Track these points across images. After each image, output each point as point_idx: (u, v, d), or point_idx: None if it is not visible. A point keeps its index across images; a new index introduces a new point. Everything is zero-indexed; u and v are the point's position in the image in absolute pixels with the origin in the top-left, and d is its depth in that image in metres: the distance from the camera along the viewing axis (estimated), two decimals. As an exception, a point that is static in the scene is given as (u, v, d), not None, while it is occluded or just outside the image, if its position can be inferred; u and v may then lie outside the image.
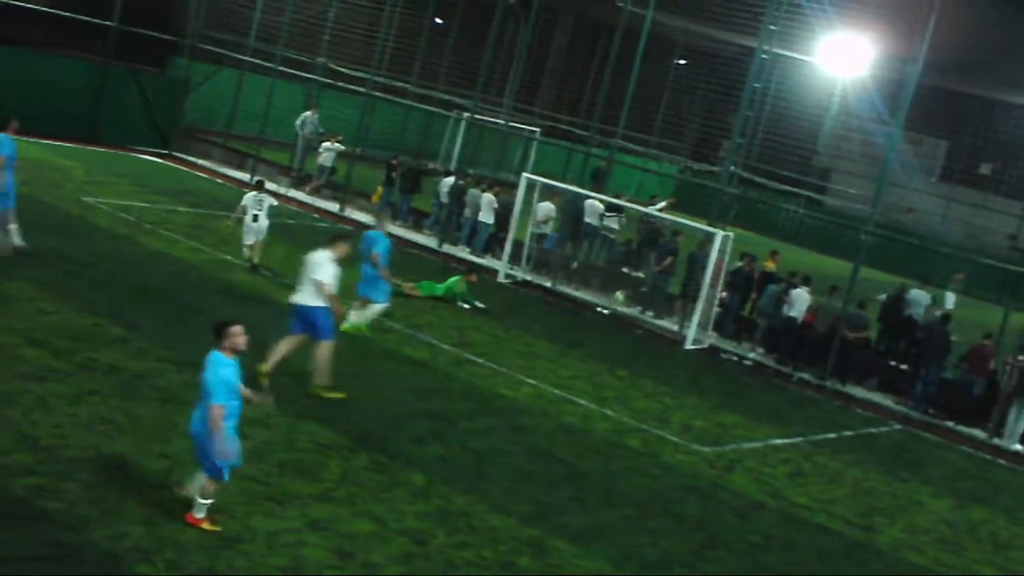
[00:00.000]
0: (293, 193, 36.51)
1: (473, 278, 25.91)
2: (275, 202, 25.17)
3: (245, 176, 37.48)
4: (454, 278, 25.68)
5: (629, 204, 32.36)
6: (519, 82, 46.58)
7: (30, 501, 11.56)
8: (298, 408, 16.08)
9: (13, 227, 21.23)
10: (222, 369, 11.60)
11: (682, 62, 52.23)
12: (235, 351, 11.79)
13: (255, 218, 24.20)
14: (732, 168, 30.55)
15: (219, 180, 36.45)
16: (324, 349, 16.86)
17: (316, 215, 34.23)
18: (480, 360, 21.03)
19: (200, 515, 11.74)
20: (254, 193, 24.59)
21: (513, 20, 44.37)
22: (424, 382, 19.02)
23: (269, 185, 36.42)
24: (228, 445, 11.55)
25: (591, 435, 18.28)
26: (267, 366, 16.53)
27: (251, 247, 24.36)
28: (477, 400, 18.67)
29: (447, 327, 23.00)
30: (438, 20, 46.53)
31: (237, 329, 11.82)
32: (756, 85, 28.94)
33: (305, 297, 16.77)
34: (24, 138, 32.13)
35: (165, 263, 23.25)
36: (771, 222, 46.04)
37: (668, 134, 51.57)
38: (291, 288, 22.61)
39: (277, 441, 14.72)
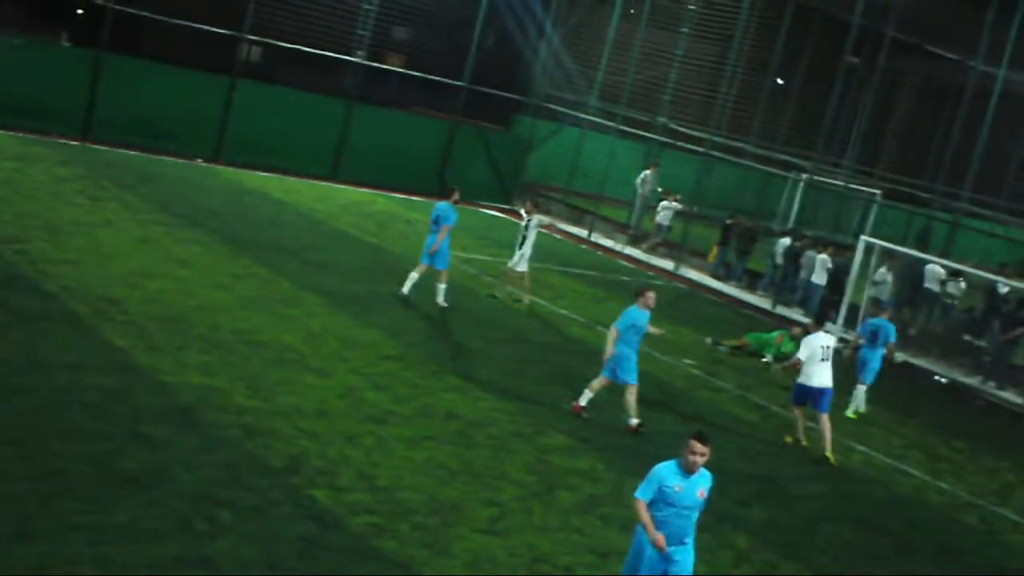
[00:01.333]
0: (629, 250, 37.00)
1: (797, 331, 25.51)
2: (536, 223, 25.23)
3: (583, 232, 38.25)
4: (775, 333, 25.60)
5: (974, 271, 31.19)
6: (860, 143, 45.75)
7: (366, 538, 12.14)
8: (626, 464, 16.26)
9: (442, 287, 23.15)
10: (662, 471, 10.78)
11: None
12: (687, 465, 10.80)
13: (522, 242, 24.65)
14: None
15: (557, 236, 37.29)
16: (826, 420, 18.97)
17: (650, 273, 34.54)
18: (810, 424, 20.70)
19: None
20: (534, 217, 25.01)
21: (856, 80, 43.60)
22: (753, 443, 18.88)
23: (605, 242, 37.13)
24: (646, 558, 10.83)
25: (924, 508, 17.70)
26: (829, 451, 18.78)
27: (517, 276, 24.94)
28: (806, 465, 18.37)
29: (776, 388, 22.75)
30: (779, 81, 46.26)
31: (695, 446, 10.84)
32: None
33: (827, 379, 18.98)
34: (375, 191, 33.86)
35: (503, 315, 23.94)
36: None
37: (1019, 197, 49.37)
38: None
39: (604, 495, 14.92)
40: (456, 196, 23.68)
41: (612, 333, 17.68)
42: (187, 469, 12.71)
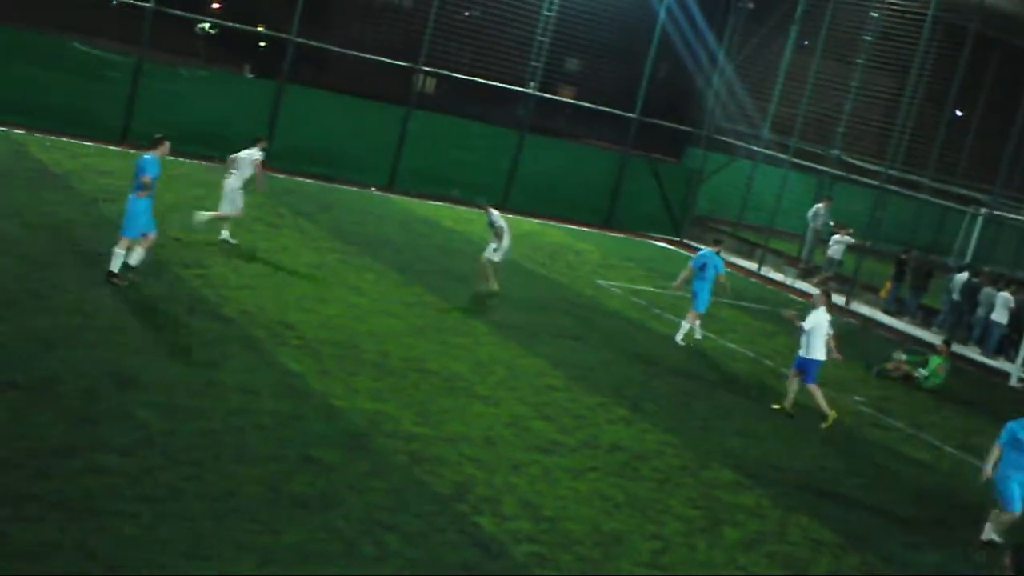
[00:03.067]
0: (800, 284, 36.51)
1: (942, 347, 24.98)
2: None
3: (753, 266, 37.90)
4: (937, 359, 25.13)
5: None
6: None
7: (528, 567, 12.18)
8: (791, 501, 16.05)
9: (686, 325, 24.40)
10: None
11: None
12: None
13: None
14: None
15: (727, 269, 36.96)
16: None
17: (821, 307, 33.97)
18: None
19: None
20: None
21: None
22: (925, 485, 18.43)
23: (775, 275, 36.67)
24: None
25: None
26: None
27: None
28: (978, 508, 17.86)
29: (951, 428, 22.23)
30: (958, 112, 45.23)
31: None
32: None
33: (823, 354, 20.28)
34: (544, 221, 34.07)
35: (671, 348, 23.83)
36: None
37: None
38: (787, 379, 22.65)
39: (769, 532, 14.74)
40: (720, 247, 25.50)
41: (994, 453, 15.81)
42: (355, 493, 12.94)
